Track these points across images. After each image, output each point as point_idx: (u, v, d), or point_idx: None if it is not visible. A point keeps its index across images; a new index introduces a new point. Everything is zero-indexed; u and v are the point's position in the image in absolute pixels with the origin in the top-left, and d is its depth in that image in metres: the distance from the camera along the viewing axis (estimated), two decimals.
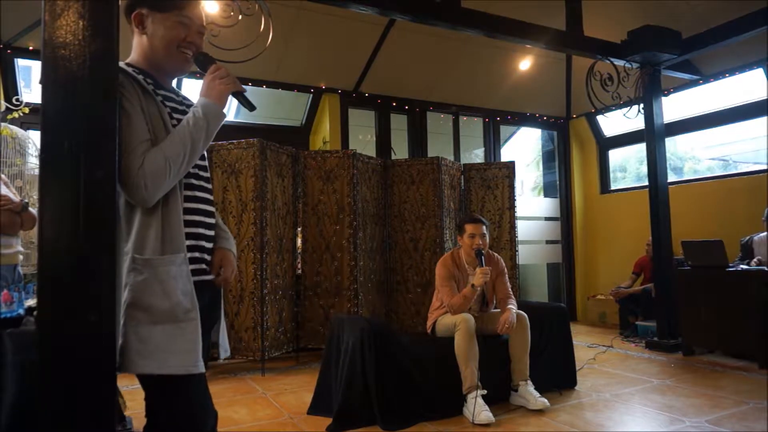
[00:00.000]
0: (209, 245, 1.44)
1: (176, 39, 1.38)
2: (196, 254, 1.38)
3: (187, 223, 1.35)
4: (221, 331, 1.52)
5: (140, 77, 1.33)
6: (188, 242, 1.34)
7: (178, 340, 1.25)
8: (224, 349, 1.52)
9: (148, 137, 1.28)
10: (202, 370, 1.29)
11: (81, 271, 1.30)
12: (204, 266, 1.41)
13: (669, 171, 5.14)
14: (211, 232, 1.46)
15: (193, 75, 5.14)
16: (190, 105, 1.47)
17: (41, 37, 1.31)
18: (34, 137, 3.89)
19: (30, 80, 5.01)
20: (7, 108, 3.86)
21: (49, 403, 1.27)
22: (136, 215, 1.28)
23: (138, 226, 1.27)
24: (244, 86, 1.44)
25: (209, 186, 1.49)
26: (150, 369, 1.22)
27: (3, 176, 2.71)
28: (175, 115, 1.38)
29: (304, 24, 4.89)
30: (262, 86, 5.45)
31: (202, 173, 1.45)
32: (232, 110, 6.33)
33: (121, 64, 1.34)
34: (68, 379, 1.28)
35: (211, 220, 1.46)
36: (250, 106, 1.45)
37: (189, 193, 1.39)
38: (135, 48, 1.41)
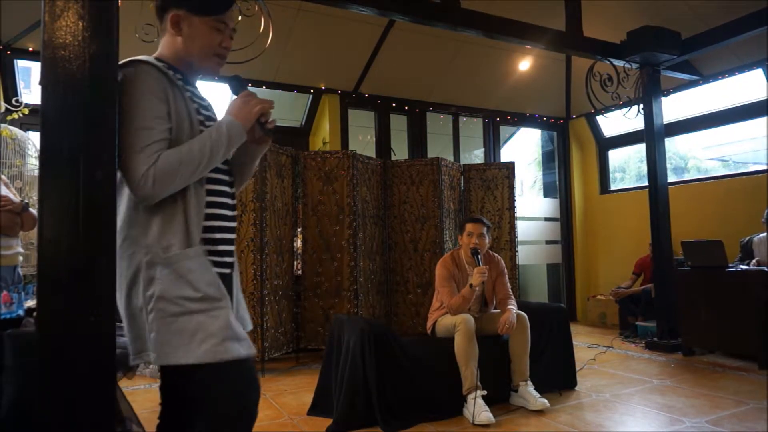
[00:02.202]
0: (232, 236, 1.45)
1: (213, 44, 1.38)
2: (221, 247, 1.39)
3: (213, 217, 1.36)
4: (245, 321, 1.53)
5: (170, 72, 1.33)
6: (215, 235, 1.36)
7: (210, 329, 1.25)
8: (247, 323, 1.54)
9: (166, 136, 1.27)
10: (234, 355, 1.27)
11: (81, 271, 1.30)
12: (229, 260, 1.42)
13: (670, 171, 5.14)
14: (234, 224, 1.47)
15: None
16: (210, 107, 1.48)
17: (41, 38, 1.31)
18: (33, 138, 3.90)
19: (30, 81, 5.01)
20: (6, 109, 3.86)
21: (49, 404, 1.27)
22: (159, 208, 1.28)
23: (161, 219, 1.27)
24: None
25: (232, 180, 1.49)
26: (185, 359, 1.22)
27: (3, 177, 2.72)
28: (202, 111, 1.39)
29: (304, 24, 4.90)
30: (262, 87, 5.45)
31: (222, 166, 1.44)
32: None
33: (150, 58, 1.33)
34: (68, 379, 1.28)
35: (233, 214, 1.47)
36: (267, 133, 1.45)
37: (214, 187, 1.39)
38: (166, 46, 1.40)
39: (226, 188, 1.45)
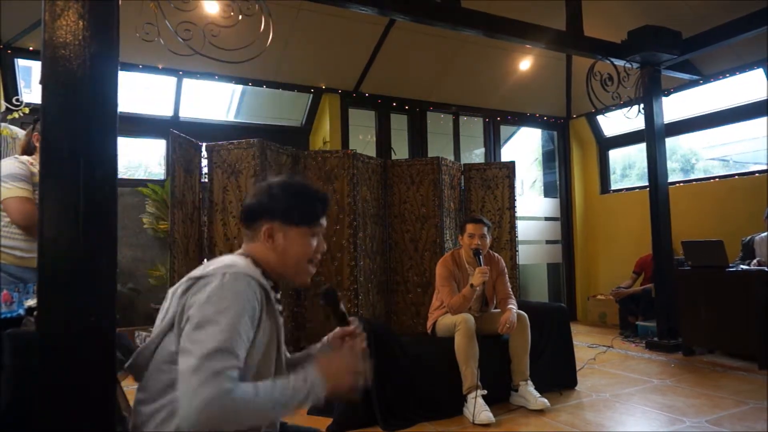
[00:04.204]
0: None
1: (309, 252, 1.32)
2: None
3: None
4: None
5: (269, 289, 1.24)
6: None
7: None
8: None
9: (242, 364, 1.13)
10: None
11: (81, 270, 1.30)
12: None
13: (677, 171, 5.13)
14: None
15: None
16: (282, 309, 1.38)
17: (41, 38, 1.31)
18: None
19: (30, 80, 5.01)
20: (7, 108, 3.86)
21: (49, 403, 1.27)
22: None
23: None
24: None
25: None
26: None
27: None
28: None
29: (304, 24, 4.89)
30: (262, 86, 5.45)
31: None
32: (232, 110, 6.34)
33: (250, 263, 1.25)
34: (68, 378, 1.28)
35: None
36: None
37: None
38: (259, 253, 1.29)
39: None
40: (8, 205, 2.27)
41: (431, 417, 2.92)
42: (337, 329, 1.41)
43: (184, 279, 1.20)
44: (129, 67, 4.73)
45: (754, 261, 4.25)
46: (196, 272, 1.20)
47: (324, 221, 1.36)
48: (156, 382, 1.16)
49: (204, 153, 4.10)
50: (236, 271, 1.17)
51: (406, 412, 2.87)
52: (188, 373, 1.05)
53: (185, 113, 5.21)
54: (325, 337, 1.48)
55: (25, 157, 2.40)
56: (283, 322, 1.34)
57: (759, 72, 5.05)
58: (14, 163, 2.33)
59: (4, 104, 3.89)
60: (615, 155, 6.81)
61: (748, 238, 4.55)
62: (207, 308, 1.12)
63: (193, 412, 1.02)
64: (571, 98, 6.59)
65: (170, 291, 1.22)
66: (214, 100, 6.08)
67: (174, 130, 3.82)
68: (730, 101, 5.36)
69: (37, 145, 2.44)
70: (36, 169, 2.39)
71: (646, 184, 5.09)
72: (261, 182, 1.33)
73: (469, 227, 3.31)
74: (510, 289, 3.39)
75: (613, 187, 6.68)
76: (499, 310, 3.31)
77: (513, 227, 4.96)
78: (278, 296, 1.33)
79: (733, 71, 5.23)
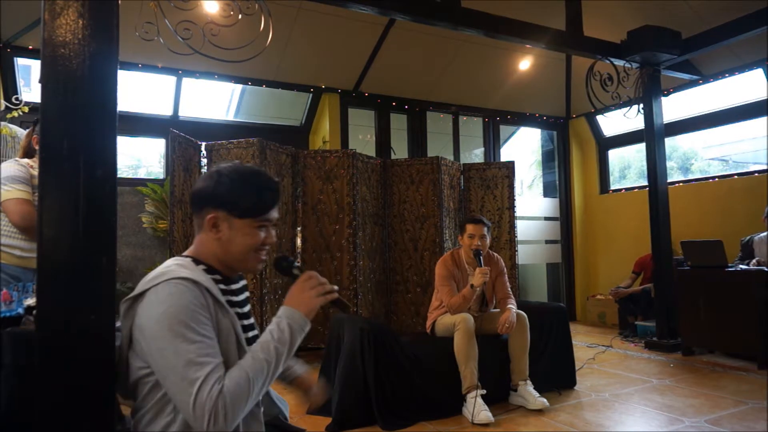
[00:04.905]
0: None
1: (255, 243, 1.26)
2: None
3: None
4: None
5: (212, 282, 1.20)
6: None
7: None
8: None
9: (220, 359, 1.13)
10: None
11: (81, 269, 1.30)
12: None
13: (676, 170, 5.13)
14: None
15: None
16: (247, 300, 1.37)
17: (41, 36, 1.30)
18: None
19: (30, 79, 5.00)
20: (6, 107, 3.86)
21: (48, 403, 1.27)
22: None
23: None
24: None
25: None
26: None
27: None
28: (243, 321, 1.29)
29: (304, 24, 4.89)
30: (262, 86, 5.45)
31: None
32: (231, 109, 6.33)
33: (189, 262, 1.22)
34: (68, 378, 1.28)
35: None
36: (346, 308, 1.36)
37: None
38: (204, 244, 1.27)
39: None
40: (7, 206, 2.29)
41: (430, 416, 2.92)
42: None
43: (123, 300, 1.18)
44: (128, 66, 4.73)
45: (754, 261, 4.25)
46: (134, 292, 1.18)
47: (274, 213, 1.29)
48: (140, 391, 1.19)
49: (203, 152, 4.10)
50: (167, 279, 1.14)
51: (406, 412, 2.87)
52: (179, 396, 1.07)
53: (185, 112, 5.21)
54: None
55: (25, 160, 2.42)
56: (248, 310, 1.34)
57: (759, 72, 5.05)
58: (14, 166, 2.35)
59: (3, 103, 3.88)
60: (611, 157, 6.81)
61: (747, 238, 4.55)
62: (158, 330, 1.10)
63: (206, 426, 1.05)
64: (570, 98, 6.59)
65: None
66: (214, 100, 6.07)
67: (173, 129, 3.82)
68: (730, 101, 5.36)
69: (37, 147, 2.45)
70: (36, 171, 2.40)
71: (646, 184, 5.09)
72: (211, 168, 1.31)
73: (469, 227, 3.31)
74: (509, 289, 3.39)
75: (612, 187, 6.69)
76: (498, 309, 3.31)
77: (512, 227, 4.96)
78: (232, 287, 1.31)
79: (732, 71, 5.23)
